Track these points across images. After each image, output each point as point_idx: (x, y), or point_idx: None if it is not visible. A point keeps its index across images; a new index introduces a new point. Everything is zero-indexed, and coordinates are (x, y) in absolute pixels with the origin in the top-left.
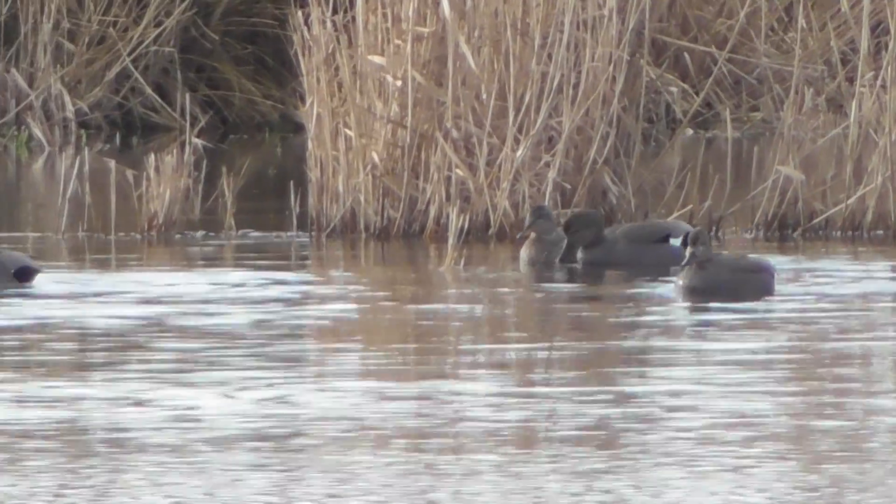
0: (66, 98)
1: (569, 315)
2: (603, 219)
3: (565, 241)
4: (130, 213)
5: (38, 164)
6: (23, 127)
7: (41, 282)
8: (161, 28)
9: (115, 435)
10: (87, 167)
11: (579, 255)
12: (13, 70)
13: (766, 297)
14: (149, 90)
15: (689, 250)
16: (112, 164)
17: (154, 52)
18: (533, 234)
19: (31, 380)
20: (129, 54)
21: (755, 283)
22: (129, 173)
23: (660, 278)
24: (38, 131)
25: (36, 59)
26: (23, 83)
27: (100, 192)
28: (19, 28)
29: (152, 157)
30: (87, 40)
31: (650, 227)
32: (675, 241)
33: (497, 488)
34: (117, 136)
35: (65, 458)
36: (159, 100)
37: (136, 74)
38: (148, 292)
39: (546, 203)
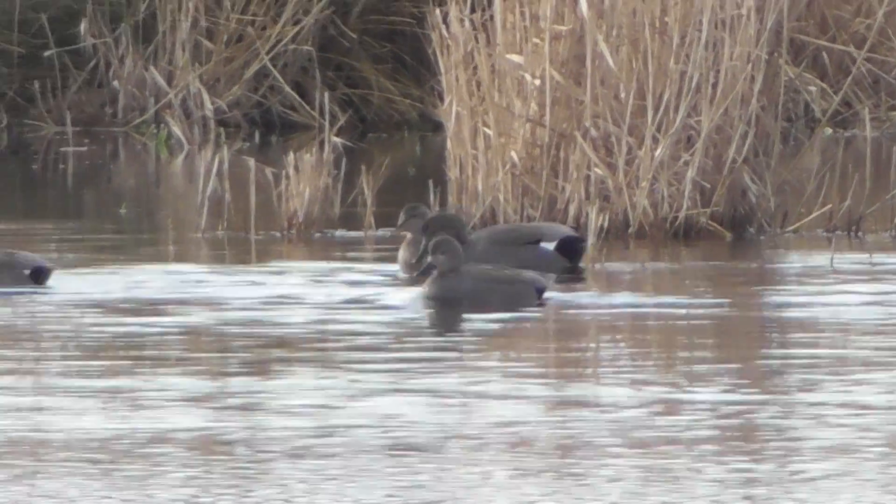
0: (205, 96)
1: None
2: (463, 222)
3: (422, 244)
4: (270, 212)
5: (177, 162)
6: (162, 125)
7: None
8: (299, 26)
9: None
10: (226, 165)
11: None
12: (152, 68)
13: (523, 308)
14: (287, 89)
15: (428, 259)
16: (251, 162)
17: (292, 51)
18: (409, 235)
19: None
20: (268, 53)
21: (505, 294)
22: (269, 172)
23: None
24: (177, 129)
25: (175, 58)
26: (162, 81)
27: (239, 191)
28: (158, 27)
29: (292, 155)
30: (225, 39)
31: (517, 229)
32: (549, 246)
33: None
34: (256, 134)
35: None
36: (298, 98)
37: (275, 73)
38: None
39: (419, 203)
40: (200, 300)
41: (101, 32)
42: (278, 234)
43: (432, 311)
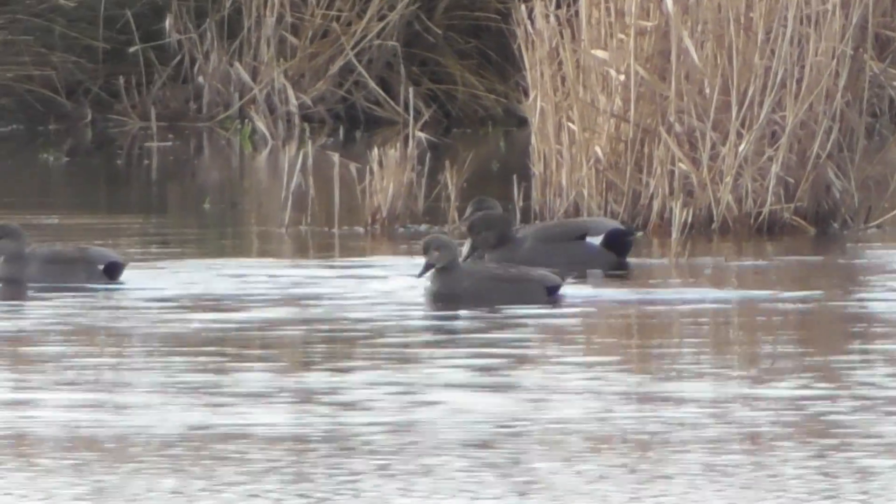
0: (290, 92)
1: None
2: (508, 220)
3: (468, 244)
4: (354, 207)
5: (262, 157)
6: (246, 120)
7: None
8: (384, 22)
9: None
10: (310, 161)
11: (486, 256)
12: (237, 64)
13: (532, 305)
14: (372, 84)
15: (425, 258)
16: (335, 157)
17: (377, 46)
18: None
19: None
20: (353, 48)
21: (508, 292)
22: (353, 167)
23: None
24: (261, 125)
25: (259, 53)
26: (246, 77)
27: (323, 186)
28: (243, 22)
29: (376, 150)
30: (310, 34)
31: (563, 225)
32: (595, 240)
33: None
34: (340, 129)
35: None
36: (383, 94)
37: (360, 68)
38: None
39: (486, 196)
40: (283, 295)
41: (186, 28)
42: (361, 230)
43: (437, 306)
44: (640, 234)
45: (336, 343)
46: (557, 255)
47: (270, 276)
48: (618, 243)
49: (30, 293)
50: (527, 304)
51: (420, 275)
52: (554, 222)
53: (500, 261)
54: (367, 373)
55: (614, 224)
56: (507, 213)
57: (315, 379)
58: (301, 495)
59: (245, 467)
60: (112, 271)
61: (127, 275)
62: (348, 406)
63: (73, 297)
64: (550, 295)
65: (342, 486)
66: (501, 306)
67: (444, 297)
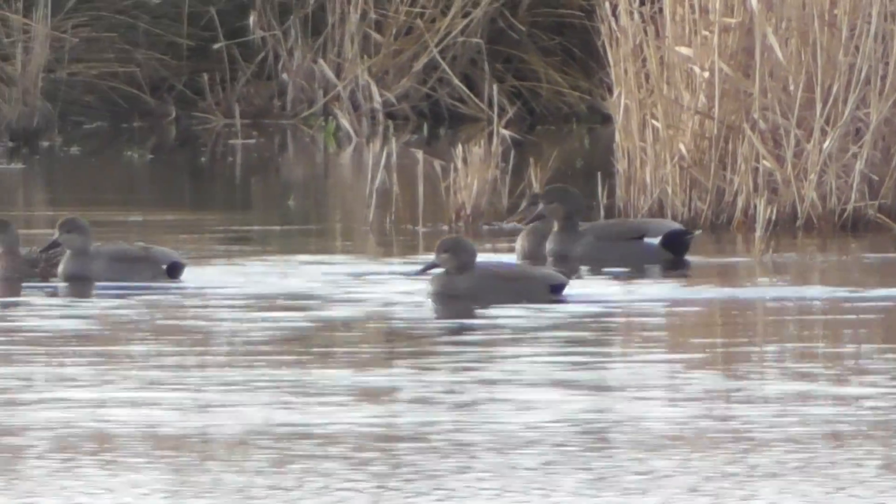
0: (374, 89)
1: None
2: (581, 201)
3: (537, 211)
4: (438, 204)
5: (346, 154)
6: (330, 117)
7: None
8: (468, 19)
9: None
10: (394, 158)
11: (548, 244)
12: (321, 61)
13: (535, 305)
14: (456, 81)
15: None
16: (419, 154)
17: (462, 43)
18: (531, 225)
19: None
20: (437, 45)
21: (510, 291)
22: (437, 164)
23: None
24: (345, 122)
25: (343, 50)
26: (330, 74)
27: (407, 184)
28: (327, 19)
29: (460, 148)
30: (394, 31)
31: (624, 223)
32: (654, 240)
33: None
34: (424, 126)
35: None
36: (467, 91)
37: (444, 65)
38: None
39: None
40: (366, 293)
41: (270, 25)
42: (446, 227)
43: (439, 307)
44: (698, 232)
45: (414, 340)
46: (616, 252)
47: (354, 273)
48: (677, 242)
49: (96, 290)
50: (530, 302)
51: (418, 273)
52: (615, 221)
53: (560, 247)
54: (448, 370)
55: (674, 225)
56: (582, 198)
57: (397, 376)
58: (385, 490)
59: (328, 465)
60: (174, 271)
61: (209, 272)
62: (430, 402)
63: (150, 294)
64: (554, 293)
65: (426, 482)
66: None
67: (443, 298)
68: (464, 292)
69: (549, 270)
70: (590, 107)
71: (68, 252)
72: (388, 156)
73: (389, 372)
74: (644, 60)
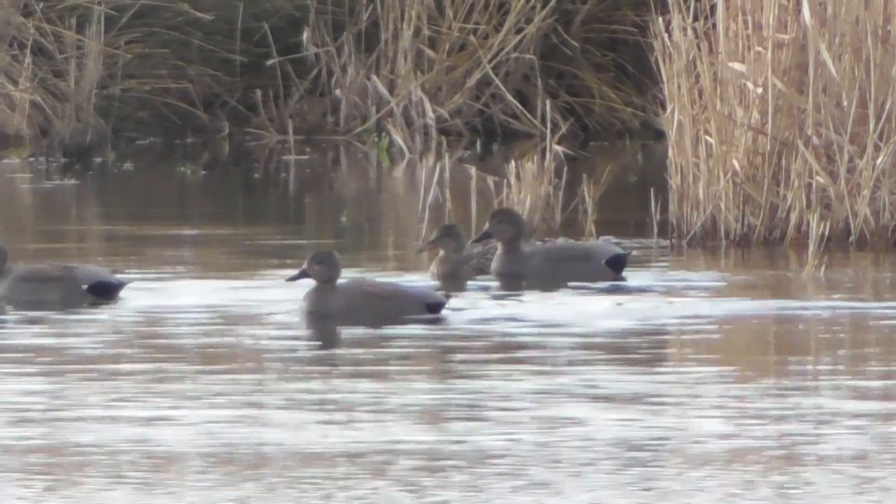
0: (427, 105)
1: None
2: (525, 225)
3: (486, 229)
4: None
5: (399, 170)
6: (383, 133)
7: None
8: (521, 35)
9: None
10: (447, 174)
11: (493, 265)
12: (374, 77)
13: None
14: (509, 97)
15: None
16: (473, 170)
17: (514, 59)
18: (441, 252)
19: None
20: (490, 61)
21: (380, 309)
22: (490, 180)
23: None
24: (398, 138)
25: (397, 67)
26: (383, 90)
27: (460, 199)
28: (380, 36)
29: (513, 163)
30: (447, 47)
31: (570, 247)
32: (600, 261)
33: None
34: (478, 142)
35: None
36: (520, 106)
37: (497, 81)
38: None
39: (455, 224)
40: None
41: (323, 41)
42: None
43: (311, 325)
44: (634, 252)
45: (474, 354)
46: (564, 271)
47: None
48: (618, 265)
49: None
50: (400, 321)
51: (290, 279)
52: (561, 243)
53: (506, 268)
54: (505, 384)
55: (617, 249)
56: (527, 223)
57: (452, 391)
58: None
59: (379, 481)
60: (98, 291)
61: (262, 286)
62: (485, 420)
63: (209, 313)
64: (431, 312)
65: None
66: (385, 325)
67: (317, 316)
68: (337, 311)
69: (426, 289)
70: (643, 123)
71: None
72: (441, 171)
73: (442, 386)
74: (697, 76)
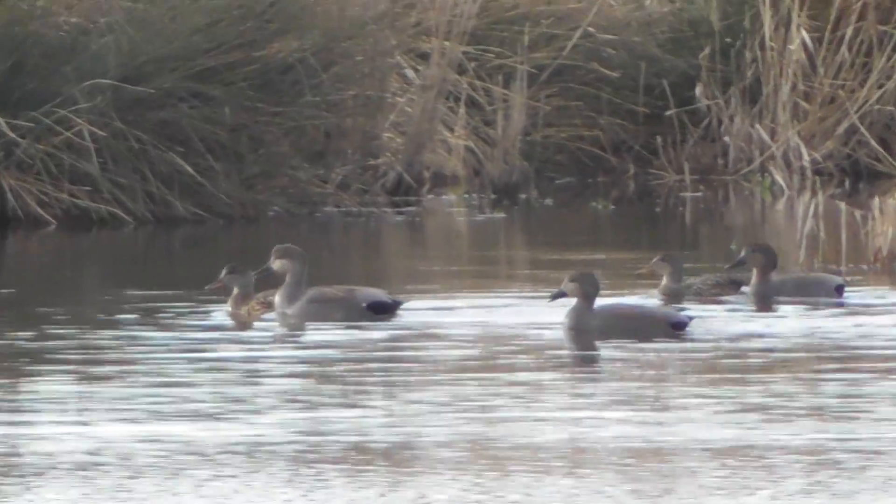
0: (803, 150)
1: None
2: (776, 259)
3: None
4: (858, 248)
5: (779, 205)
6: (766, 174)
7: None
8: (883, 90)
9: None
10: (820, 208)
11: (749, 289)
12: (757, 125)
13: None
14: (873, 143)
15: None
16: (842, 205)
17: (877, 111)
18: (664, 279)
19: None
20: (856, 112)
21: (620, 328)
22: (857, 213)
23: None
24: (779, 178)
25: (776, 116)
26: (765, 137)
27: (832, 230)
28: (762, 90)
29: (877, 199)
30: (819, 100)
31: (814, 276)
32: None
33: None
34: (846, 182)
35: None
36: (882, 151)
37: (862, 129)
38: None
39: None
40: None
41: (713, 94)
42: (865, 267)
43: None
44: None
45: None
46: (803, 295)
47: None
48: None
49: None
50: (651, 339)
51: (551, 299)
52: (802, 274)
53: (759, 292)
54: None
55: (838, 279)
56: (779, 257)
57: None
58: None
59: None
60: (375, 308)
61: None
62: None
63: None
64: (676, 331)
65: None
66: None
67: (576, 332)
68: (597, 329)
69: (668, 309)
70: None
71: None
72: (816, 206)
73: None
74: None
